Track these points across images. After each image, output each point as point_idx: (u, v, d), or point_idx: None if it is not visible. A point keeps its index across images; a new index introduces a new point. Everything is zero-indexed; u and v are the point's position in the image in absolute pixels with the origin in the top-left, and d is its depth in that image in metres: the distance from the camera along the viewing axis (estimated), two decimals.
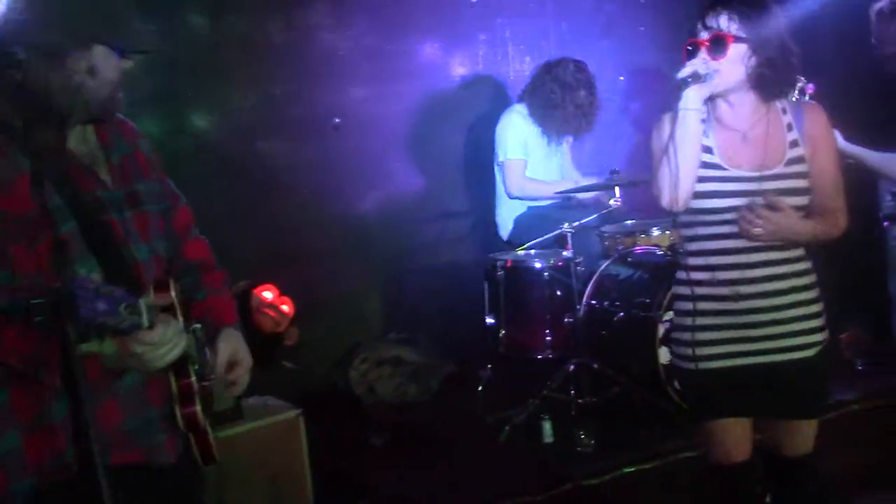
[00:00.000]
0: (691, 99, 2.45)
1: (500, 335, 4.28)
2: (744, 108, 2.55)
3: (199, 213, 4.35)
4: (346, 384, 4.69)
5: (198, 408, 2.01)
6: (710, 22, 2.49)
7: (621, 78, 5.72)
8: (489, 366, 4.38)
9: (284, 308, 3.94)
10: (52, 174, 1.87)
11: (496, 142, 4.77)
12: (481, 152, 4.99)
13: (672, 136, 2.46)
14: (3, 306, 1.74)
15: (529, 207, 4.79)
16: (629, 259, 4.39)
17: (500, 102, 5.11)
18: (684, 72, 2.47)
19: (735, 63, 2.47)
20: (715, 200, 2.52)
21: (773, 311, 2.52)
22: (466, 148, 5.26)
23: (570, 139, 4.92)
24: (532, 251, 4.43)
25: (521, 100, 4.84)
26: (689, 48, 2.50)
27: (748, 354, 2.55)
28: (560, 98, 4.65)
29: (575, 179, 4.82)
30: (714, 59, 2.46)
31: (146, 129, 4.22)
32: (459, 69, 5.18)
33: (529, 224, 4.70)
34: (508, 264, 4.29)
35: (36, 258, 1.82)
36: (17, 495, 1.89)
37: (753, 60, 2.47)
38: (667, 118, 2.54)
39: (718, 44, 2.46)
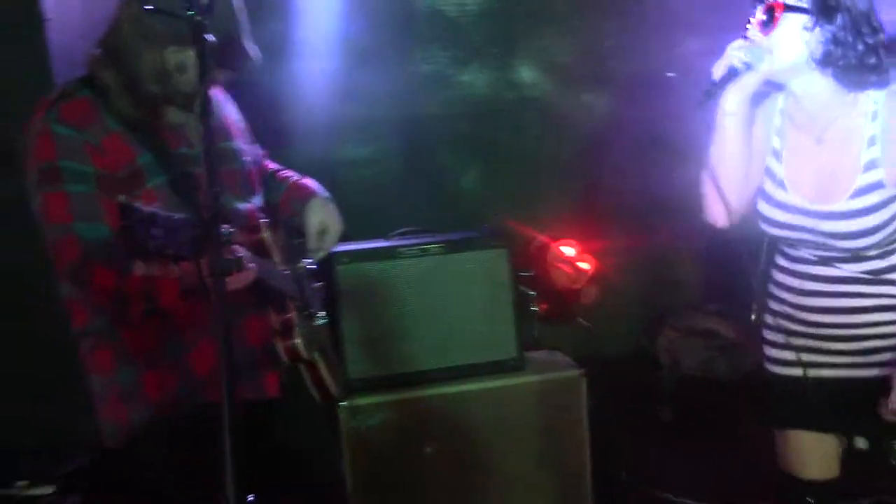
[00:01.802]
0: (730, 100, 2.02)
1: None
2: (814, 101, 2.01)
3: (514, 164, 4.48)
4: (654, 350, 4.50)
5: (298, 340, 2.11)
6: None
7: None
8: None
9: (583, 265, 3.87)
10: (142, 134, 1.99)
11: None
12: None
13: (710, 142, 2.10)
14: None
15: None
16: None
17: None
18: (717, 71, 2.03)
19: (791, 38, 1.95)
20: (772, 228, 2.17)
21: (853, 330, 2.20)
22: None
23: None
24: None
25: None
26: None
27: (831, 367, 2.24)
28: None
29: None
30: (764, 33, 1.95)
31: (470, 79, 4.46)
32: None
33: None
34: None
35: None
36: (136, 425, 2.07)
37: (816, 34, 1.92)
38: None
39: (768, 15, 1.96)
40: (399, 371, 3.37)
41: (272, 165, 2.60)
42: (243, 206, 2.22)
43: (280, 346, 2.14)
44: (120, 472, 2.16)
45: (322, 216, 2.40)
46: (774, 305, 2.37)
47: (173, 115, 2.12)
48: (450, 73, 4.48)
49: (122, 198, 1.53)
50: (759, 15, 2.04)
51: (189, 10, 1.52)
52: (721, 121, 2.11)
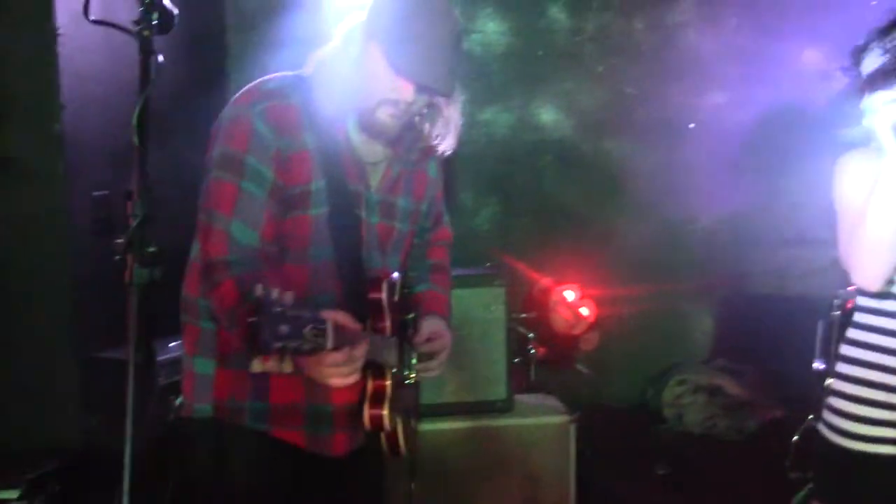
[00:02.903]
0: None
1: (826, 384, 3.71)
2: None
3: (531, 205, 4.47)
4: (658, 403, 4.43)
5: (385, 411, 1.98)
6: None
7: None
8: (811, 417, 3.82)
9: (583, 311, 3.83)
10: (329, 159, 1.94)
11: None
12: None
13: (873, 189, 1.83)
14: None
15: None
16: None
17: None
18: (881, 126, 1.82)
19: None
20: None
21: None
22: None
23: None
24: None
25: None
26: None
27: None
28: None
29: None
30: None
31: (491, 118, 4.49)
32: (842, 80, 4.55)
33: None
34: (848, 305, 3.69)
35: (278, 229, 1.92)
36: (196, 413, 2.06)
37: None
38: (855, 159, 1.95)
39: None
40: None
41: (437, 256, 2.41)
42: (379, 261, 2.10)
43: (366, 413, 1.99)
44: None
45: (436, 328, 2.21)
46: (860, 372, 2.12)
47: (368, 149, 2.04)
48: (471, 111, 4.50)
49: (259, 288, 1.51)
50: None
51: (138, 24, 1.51)
52: (890, 163, 1.90)
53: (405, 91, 1.88)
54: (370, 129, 1.96)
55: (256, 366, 1.58)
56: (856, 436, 2.09)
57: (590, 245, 4.45)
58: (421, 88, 1.89)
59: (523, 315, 3.79)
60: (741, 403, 4.29)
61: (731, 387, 4.37)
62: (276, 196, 1.92)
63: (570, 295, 3.89)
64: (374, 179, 2.07)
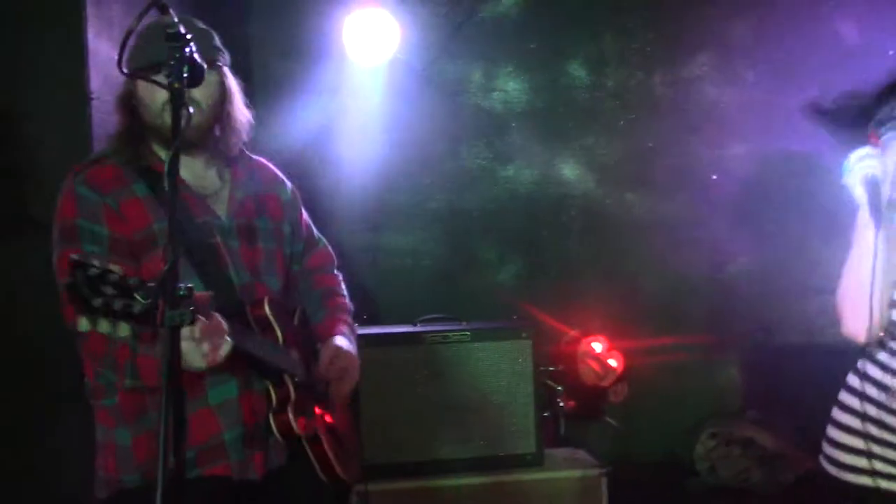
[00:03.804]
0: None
1: None
2: None
3: (556, 260, 4.48)
4: (690, 457, 4.36)
5: (290, 415, 2.10)
6: None
7: None
8: None
9: (612, 362, 3.81)
10: (162, 203, 2.05)
11: None
12: None
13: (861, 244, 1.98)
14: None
15: None
16: None
17: None
18: (855, 183, 1.97)
19: None
20: None
21: None
22: None
23: None
24: None
25: None
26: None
27: None
28: None
29: None
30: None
31: (514, 174, 4.53)
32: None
33: None
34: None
35: (142, 274, 1.97)
36: (125, 484, 2.09)
37: None
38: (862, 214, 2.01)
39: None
40: (416, 459, 3.35)
41: (325, 283, 2.53)
42: (252, 282, 2.21)
43: (273, 420, 2.12)
44: None
45: (334, 350, 2.33)
46: (857, 405, 2.18)
47: (201, 184, 2.19)
48: (494, 167, 4.57)
49: (74, 256, 1.52)
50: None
51: (168, 78, 1.58)
52: (867, 233, 2.01)
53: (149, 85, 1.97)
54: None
55: (83, 323, 1.55)
56: (834, 461, 2.17)
57: (615, 298, 4.44)
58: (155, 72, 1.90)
59: (551, 368, 3.77)
60: (775, 455, 4.21)
61: (764, 438, 4.30)
62: (119, 249, 2.03)
63: (597, 346, 3.87)
64: (221, 208, 2.20)
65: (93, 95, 2.84)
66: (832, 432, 2.21)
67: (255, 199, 2.30)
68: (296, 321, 2.33)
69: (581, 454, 3.58)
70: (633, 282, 4.50)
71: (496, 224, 4.55)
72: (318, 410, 2.27)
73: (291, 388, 2.13)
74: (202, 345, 1.84)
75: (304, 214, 2.50)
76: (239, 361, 2.02)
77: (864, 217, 2.00)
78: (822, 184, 4.55)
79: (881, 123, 2.06)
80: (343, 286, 2.58)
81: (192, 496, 1.99)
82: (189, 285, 1.54)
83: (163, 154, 2.10)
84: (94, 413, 2.19)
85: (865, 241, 2.01)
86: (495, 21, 4.50)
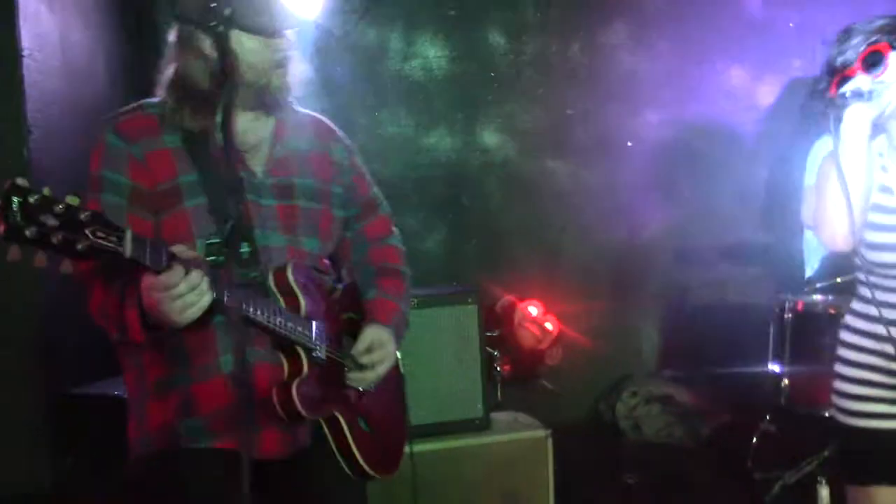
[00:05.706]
0: (854, 119, 2.10)
1: (783, 385, 3.86)
2: None
3: (480, 226, 4.51)
4: (612, 416, 4.50)
5: (294, 391, 1.92)
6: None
7: None
8: (767, 417, 3.97)
9: (548, 326, 3.87)
10: (197, 153, 1.97)
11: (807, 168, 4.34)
12: (790, 186, 4.57)
13: (834, 162, 2.11)
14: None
15: None
16: None
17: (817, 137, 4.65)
18: (846, 87, 2.10)
19: None
20: (889, 255, 2.16)
21: None
22: (770, 181, 4.86)
23: None
24: (830, 295, 3.95)
25: None
26: (868, 60, 2.11)
27: None
28: None
29: None
30: (872, 76, 2.09)
31: (435, 142, 4.51)
32: (767, 97, 4.79)
33: (836, 262, 4.20)
34: (799, 307, 3.87)
35: (155, 231, 1.94)
36: (141, 452, 2.02)
37: None
38: (824, 142, 2.20)
39: (874, 57, 2.10)
40: None
41: (381, 258, 2.34)
42: (284, 245, 2.06)
43: (275, 393, 1.91)
44: None
45: (377, 338, 2.17)
46: (852, 355, 2.31)
47: (241, 139, 2.03)
48: (415, 135, 4.53)
49: (17, 181, 1.42)
50: (869, 58, 2.12)
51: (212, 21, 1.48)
52: (847, 138, 2.12)
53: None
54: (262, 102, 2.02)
55: (13, 252, 1.44)
56: (860, 413, 2.27)
57: (538, 263, 4.51)
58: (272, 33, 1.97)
59: (487, 333, 3.79)
60: (694, 410, 4.40)
61: (682, 395, 4.49)
62: (139, 199, 1.96)
63: (534, 310, 3.92)
64: (258, 164, 2.09)
65: (24, 52, 2.64)
66: (841, 385, 2.32)
67: (298, 156, 2.16)
68: (337, 294, 2.18)
69: (523, 417, 3.61)
70: (556, 247, 4.58)
71: (419, 192, 4.53)
72: (346, 393, 2.13)
73: (305, 363, 1.97)
74: (185, 297, 1.70)
75: (365, 176, 2.32)
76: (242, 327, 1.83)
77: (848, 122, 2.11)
78: (733, 149, 4.80)
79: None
80: (402, 256, 2.38)
81: (204, 467, 1.92)
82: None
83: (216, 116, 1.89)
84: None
85: (851, 141, 2.12)
86: None
